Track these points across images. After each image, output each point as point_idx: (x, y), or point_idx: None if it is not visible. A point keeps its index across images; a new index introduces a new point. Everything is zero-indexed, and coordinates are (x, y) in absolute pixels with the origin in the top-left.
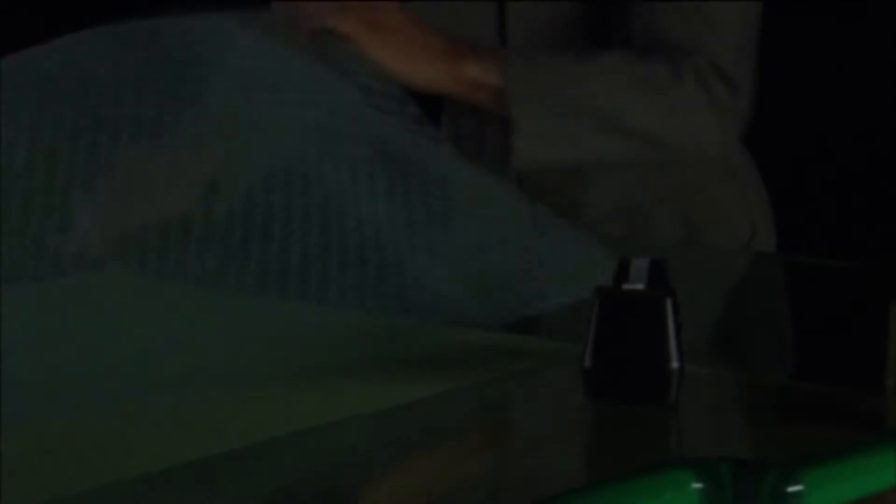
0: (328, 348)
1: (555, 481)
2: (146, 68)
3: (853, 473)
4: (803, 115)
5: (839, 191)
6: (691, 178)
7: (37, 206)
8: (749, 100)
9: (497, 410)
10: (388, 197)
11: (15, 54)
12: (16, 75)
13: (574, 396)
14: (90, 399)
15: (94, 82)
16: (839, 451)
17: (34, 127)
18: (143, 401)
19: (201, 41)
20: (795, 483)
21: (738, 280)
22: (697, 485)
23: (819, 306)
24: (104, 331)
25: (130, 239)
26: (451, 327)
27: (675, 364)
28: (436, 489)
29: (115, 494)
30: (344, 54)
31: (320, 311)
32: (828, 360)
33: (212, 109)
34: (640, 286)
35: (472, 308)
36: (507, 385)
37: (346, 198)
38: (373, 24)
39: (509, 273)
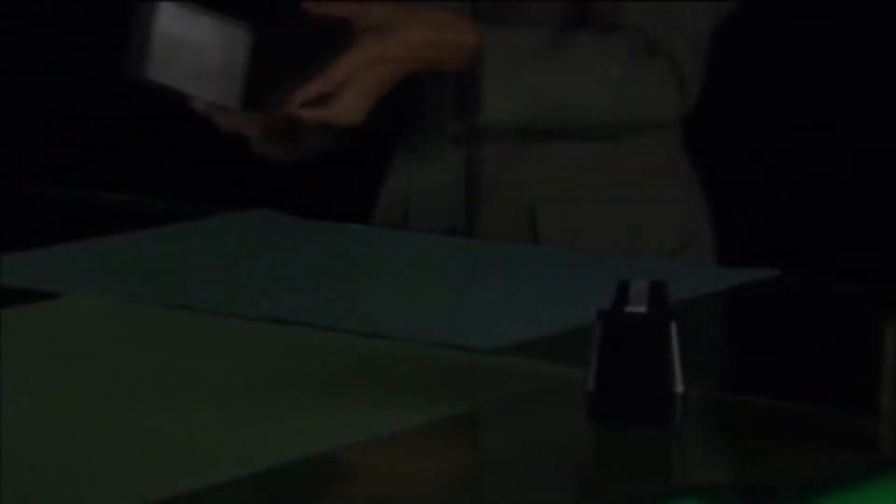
0: (314, 370)
1: None
2: None
3: (861, 500)
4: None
5: (828, 208)
6: (630, 171)
7: None
8: (695, 92)
9: (495, 434)
10: None
11: None
12: None
13: (575, 420)
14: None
15: None
16: (847, 478)
17: None
18: (131, 425)
19: None
20: None
21: (731, 299)
22: None
23: (812, 327)
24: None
25: None
26: (449, 349)
27: (678, 388)
28: None
29: None
30: None
31: (304, 332)
32: (823, 382)
33: None
34: (641, 309)
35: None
36: (506, 408)
37: None
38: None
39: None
